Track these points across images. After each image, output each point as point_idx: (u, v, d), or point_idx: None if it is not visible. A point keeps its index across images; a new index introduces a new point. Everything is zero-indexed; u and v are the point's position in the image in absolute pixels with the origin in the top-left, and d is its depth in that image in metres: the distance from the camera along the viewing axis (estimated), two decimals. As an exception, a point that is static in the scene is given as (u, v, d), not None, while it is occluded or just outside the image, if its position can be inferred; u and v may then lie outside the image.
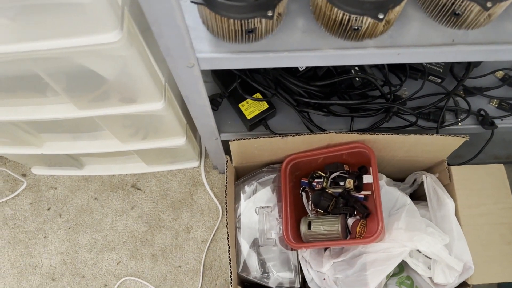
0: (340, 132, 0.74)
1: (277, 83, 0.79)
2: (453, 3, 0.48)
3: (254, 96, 0.80)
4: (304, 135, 0.74)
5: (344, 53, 0.51)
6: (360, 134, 0.74)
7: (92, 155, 1.10)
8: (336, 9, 0.47)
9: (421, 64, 0.81)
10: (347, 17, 0.47)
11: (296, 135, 0.73)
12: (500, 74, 0.85)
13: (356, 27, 0.48)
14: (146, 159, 1.10)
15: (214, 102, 0.82)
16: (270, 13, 0.45)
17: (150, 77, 0.63)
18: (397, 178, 0.93)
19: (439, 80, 0.83)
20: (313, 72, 0.80)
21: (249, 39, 0.50)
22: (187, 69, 0.52)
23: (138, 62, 0.57)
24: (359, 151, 0.77)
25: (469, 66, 0.84)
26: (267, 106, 0.80)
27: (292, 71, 0.79)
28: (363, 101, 0.78)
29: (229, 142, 0.74)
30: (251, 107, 0.80)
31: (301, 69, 0.79)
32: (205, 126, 0.76)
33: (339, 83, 0.80)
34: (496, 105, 0.83)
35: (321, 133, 0.74)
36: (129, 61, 0.56)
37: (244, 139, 0.73)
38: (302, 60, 0.52)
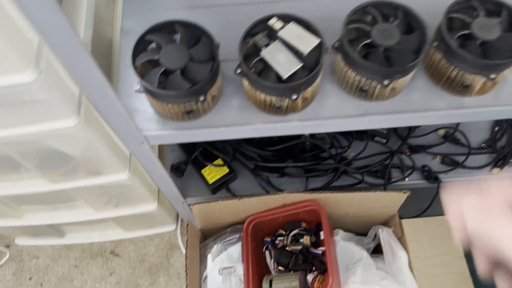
0: (293, 192, 0.80)
1: (235, 149, 0.87)
2: (359, 81, 0.56)
3: (215, 162, 0.87)
4: (260, 196, 0.80)
5: (272, 126, 0.59)
6: (310, 193, 0.80)
7: (72, 224, 1.15)
8: (259, 92, 0.55)
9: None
10: (269, 98, 0.55)
11: (252, 196, 0.80)
12: (442, 132, 0.93)
13: (278, 106, 0.56)
14: (123, 226, 1.15)
15: (179, 169, 0.89)
16: (202, 98, 0.54)
17: (112, 152, 0.70)
18: (361, 232, 0.97)
19: (385, 141, 0.91)
20: (268, 138, 0.88)
21: (189, 118, 0.58)
22: (138, 145, 0.60)
23: (98, 141, 0.65)
24: (312, 209, 0.83)
25: (411, 126, 0.92)
26: (227, 170, 0.87)
27: (249, 138, 0.87)
28: (312, 163, 0.85)
29: (190, 206, 0.80)
30: (213, 172, 0.87)
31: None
32: (169, 192, 0.82)
33: (293, 146, 0.87)
34: (440, 161, 0.90)
35: (275, 194, 0.80)
36: (89, 140, 0.64)
37: (204, 202, 0.79)
38: (237, 133, 0.60)
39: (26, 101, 0.51)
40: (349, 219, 0.91)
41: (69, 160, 0.70)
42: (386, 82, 0.54)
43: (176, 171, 0.89)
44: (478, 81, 0.56)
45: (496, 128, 0.93)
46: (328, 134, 0.90)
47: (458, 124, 0.94)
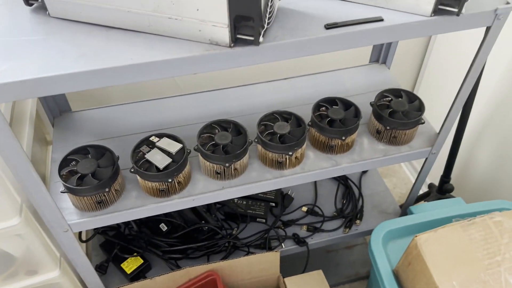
0: (193, 266, 1.03)
1: (146, 242, 1.10)
2: (213, 167, 0.88)
3: (132, 255, 1.10)
4: (167, 274, 1.02)
5: (160, 205, 0.87)
6: (207, 264, 1.04)
7: None
8: (147, 182, 0.84)
9: (247, 212, 1.19)
10: (154, 184, 0.84)
11: (161, 275, 1.01)
12: (304, 208, 1.25)
13: (162, 189, 0.86)
14: None
15: (102, 267, 1.09)
16: (107, 189, 0.82)
17: (45, 251, 0.92)
18: (264, 303, 1.18)
19: (264, 220, 1.20)
20: (174, 228, 1.13)
21: (100, 207, 0.84)
22: (64, 233, 0.84)
23: (34, 239, 0.88)
24: (213, 278, 1.05)
25: (282, 207, 1.24)
26: (142, 261, 1.10)
27: (158, 231, 1.12)
28: (208, 242, 1.10)
29: (111, 291, 0.99)
30: (130, 264, 1.09)
31: (164, 229, 1.12)
32: (94, 283, 1.01)
33: (193, 232, 1.13)
34: (306, 229, 1.20)
35: (179, 270, 1.03)
36: (27, 238, 0.86)
37: (123, 286, 0.99)
38: (136, 214, 0.86)
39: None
40: (247, 286, 1.14)
41: (12, 262, 0.90)
42: (227, 164, 0.87)
43: (100, 269, 1.09)
44: (284, 158, 0.90)
45: (343, 201, 1.28)
46: (224, 220, 1.17)
47: (315, 201, 1.27)
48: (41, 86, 0.59)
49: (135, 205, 0.86)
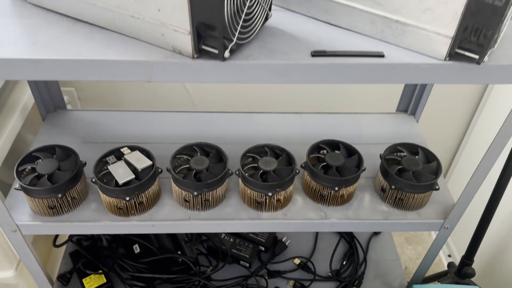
0: (152, 299, 0.93)
1: (114, 261, 1.02)
2: (181, 193, 0.79)
3: (96, 273, 1.01)
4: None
5: (116, 224, 0.78)
6: (167, 301, 0.93)
7: None
8: (105, 196, 0.76)
9: (231, 251, 1.07)
10: (112, 200, 0.76)
11: (116, 301, 0.92)
12: (297, 260, 1.11)
13: (120, 207, 0.77)
14: None
15: (64, 277, 1.02)
16: (59, 195, 0.75)
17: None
18: None
19: (248, 264, 1.08)
20: (147, 252, 1.04)
21: (53, 213, 0.78)
22: (12, 233, 0.78)
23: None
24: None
25: (272, 254, 1.10)
26: (105, 281, 1.01)
27: (130, 252, 1.03)
28: (179, 276, 0.99)
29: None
30: (92, 281, 1.00)
31: (136, 251, 1.03)
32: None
33: (166, 261, 1.03)
34: (292, 285, 1.05)
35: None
36: None
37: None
38: (89, 229, 0.78)
39: None
40: (210, 335, 1.00)
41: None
42: (195, 193, 0.77)
43: (62, 279, 1.02)
44: (264, 198, 0.78)
45: (343, 262, 1.12)
46: (194, 253, 1.07)
47: (311, 255, 1.12)
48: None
49: (89, 219, 0.79)
